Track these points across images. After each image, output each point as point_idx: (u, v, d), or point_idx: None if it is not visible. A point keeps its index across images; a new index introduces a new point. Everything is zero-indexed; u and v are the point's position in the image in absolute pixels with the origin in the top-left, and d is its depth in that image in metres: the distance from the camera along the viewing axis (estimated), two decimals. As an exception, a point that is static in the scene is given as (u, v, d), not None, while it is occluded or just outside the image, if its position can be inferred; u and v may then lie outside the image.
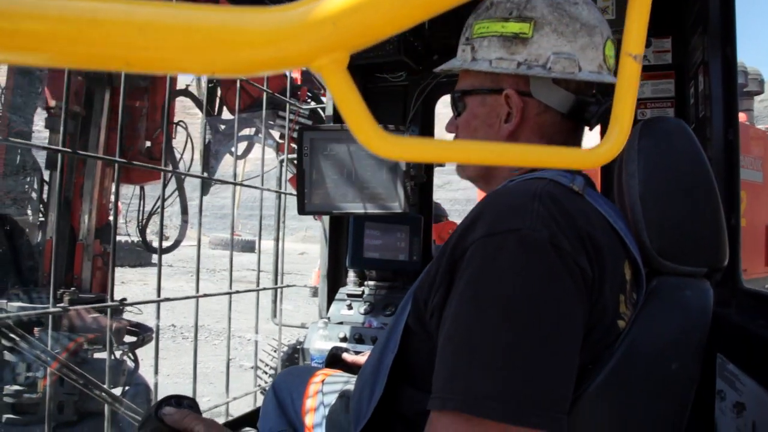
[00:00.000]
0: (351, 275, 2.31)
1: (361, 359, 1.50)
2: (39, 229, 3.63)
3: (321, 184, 1.81)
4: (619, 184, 0.97)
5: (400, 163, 1.80)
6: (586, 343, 0.73)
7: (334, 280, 2.39)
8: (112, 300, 1.63)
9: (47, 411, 1.47)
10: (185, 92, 4.18)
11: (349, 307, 2.18)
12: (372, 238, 2.18)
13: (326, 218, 2.40)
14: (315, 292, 10.28)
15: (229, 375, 2.19)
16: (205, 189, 2.34)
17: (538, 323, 0.69)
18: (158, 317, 1.77)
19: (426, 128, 2.38)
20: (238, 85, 2.13)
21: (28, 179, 3.49)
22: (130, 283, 11.42)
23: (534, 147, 0.38)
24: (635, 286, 0.83)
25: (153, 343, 4.00)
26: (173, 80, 3.40)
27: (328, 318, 2.14)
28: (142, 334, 3.88)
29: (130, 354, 3.81)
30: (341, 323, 2.11)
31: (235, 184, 2.09)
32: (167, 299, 1.77)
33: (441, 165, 1.09)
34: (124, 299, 1.84)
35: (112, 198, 4.01)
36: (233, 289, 2.13)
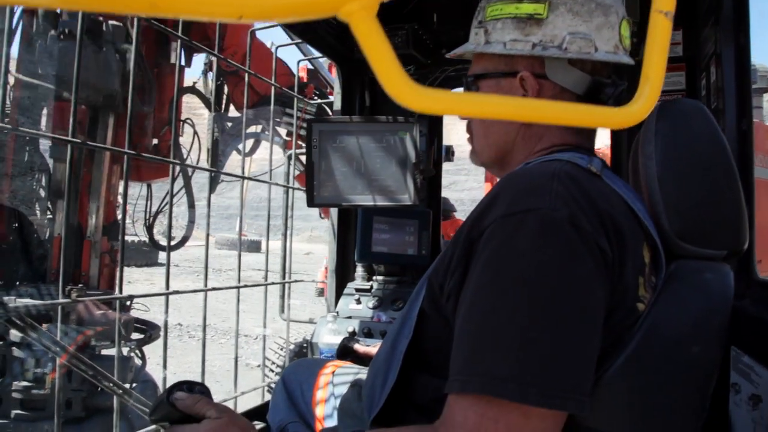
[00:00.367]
0: (359, 270, 2.30)
1: (373, 350, 1.49)
2: (47, 227, 3.64)
3: (330, 177, 1.80)
4: (634, 166, 0.96)
5: (409, 155, 1.79)
6: (607, 326, 0.72)
7: (343, 275, 2.38)
8: (121, 293, 1.63)
9: (56, 402, 1.46)
10: (192, 89, 4.17)
11: (358, 301, 2.17)
12: (380, 233, 2.17)
13: (334, 213, 2.39)
14: (321, 292, 10.28)
15: (236, 370, 2.19)
16: (213, 184, 2.33)
17: (559, 303, 0.68)
18: (167, 310, 1.76)
19: (434, 123, 2.37)
20: (246, 79, 2.12)
21: (36, 177, 3.49)
22: (136, 283, 11.45)
23: (565, 104, 0.36)
24: (654, 269, 0.82)
25: (161, 338, 4.02)
26: (181, 76, 3.39)
27: (337, 312, 2.14)
28: (150, 331, 3.87)
29: (137, 351, 3.81)
30: (350, 317, 2.11)
31: (243, 178, 2.09)
32: (176, 292, 1.77)
33: (464, 118, 1.07)
34: (132, 295, 1.84)
35: (119, 198, 4.03)
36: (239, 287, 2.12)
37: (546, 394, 0.65)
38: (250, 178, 2.09)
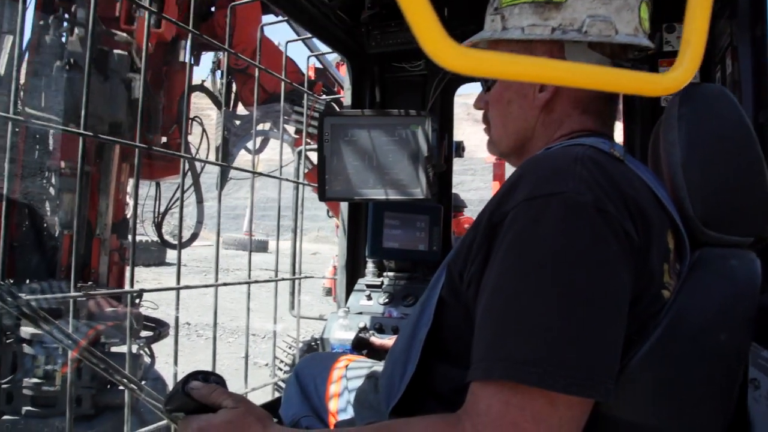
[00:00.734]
0: (370, 266, 2.29)
1: (389, 342, 1.47)
2: (57, 225, 3.65)
3: (342, 171, 1.79)
4: (655, 153, 0.94)
5: (422, 148, 1.78)
6: (632, 312, 0.71)
7: (353, 271, 2.37)
8: (132, 286, 1.62)
9: (69, 395, 1.46)
10: (201, 88, 4.19)
11: (369, 297, 2.16)
12: (391, 228, 2.16)
13: (344, 209, 2.38)
14: (328, 291, 10.28)
15: (247, 367, 2.18)
16: (223, 179, 2.33)
17: (585, 288, 0.67)
18: (178, 305, 1.76)
19: (445, 118, 2.36)
20: (257, 74, 2.11)
21: (46, 175, 3.50)
22: (144, 282, 11.48)
23: (603, 68, 0.35)
24: (678, 256, 0.80)
25: (170, 335, 4.02)
26: (190, 74, 3.40)
27: (348, 308, 2.12)
28: (159, 329, 3.88)
29: (146, 349, 3.82)
30: (361, 313, 2.10)
31: (254, 173, 2.08)
32: (187, 287, 1.76)
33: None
34: (143, 289, 1.84)
35: (128, 198, 4.04)
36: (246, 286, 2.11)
37: (572, 381, 0.63)
38: (260, 174, 2.09)
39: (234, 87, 4.31)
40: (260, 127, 4.36)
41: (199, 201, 3.70)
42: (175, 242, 4.34)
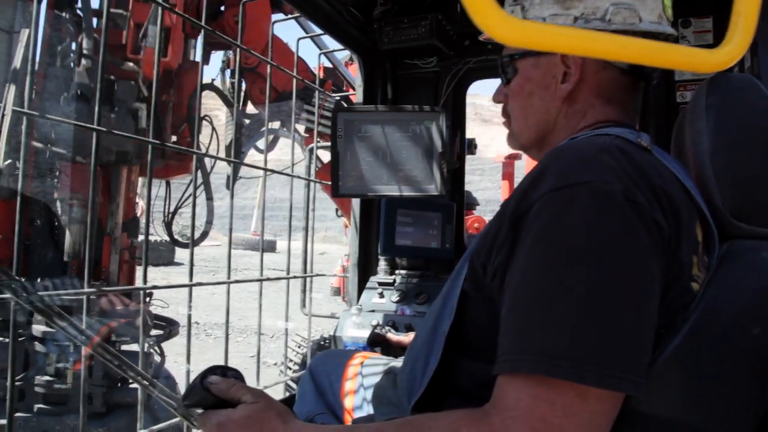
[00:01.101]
0: (382, 263, 2.28)
1: (406, 338, 1.46)
2: (68, 223, 3.66)
3: (355, 167, 1.78)
4: (679, 143, 0.92)
5: (435, 144, 1.77)
6: (662, 305, 0.69)
7: (365, 269, 2.36)
8: (145, 284, 1.62)
9: (82, 391, 1.45)
10: (210, 86, 4.19)
11: (381, 295, 2.15)
12: (404, 226, 2.15)
13: (356, 206, 2.37)
14: (337, 291, 10.27)
15: (259, 365, 2.17)
16: (235, 175, 2.33)
17: (614, 279, 0.65)
18: (190, 302, 1.75)
19: (457, 115, 2.34)
20: (269, 71, 2.11)
21: (57, 175, 3.52)
22: (153, 282, 11.52)
23: (655, 43, 0.34)
24: (706, 248, 0.79)
25: (180, 333, 4.03)
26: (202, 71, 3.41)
27: (360, 306, 2.11)
28: (169, 327, 3.89)
29: (156, 348, 3.83)
30: (373, 311, 2.09)
31: (265, 170, 2.07)
32: (200, 284, 1.76)
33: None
34: (156, 286, 1.83)
35: (137, 198, 4.05)
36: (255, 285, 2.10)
37: (603, 374, 0.62)
38: (273, 171, 2.08)
39: (244, 86, 4.31)
40: (269, 126, 4.36)
41: (209, 198, 3.70)
42: (185, 241, 4.35)
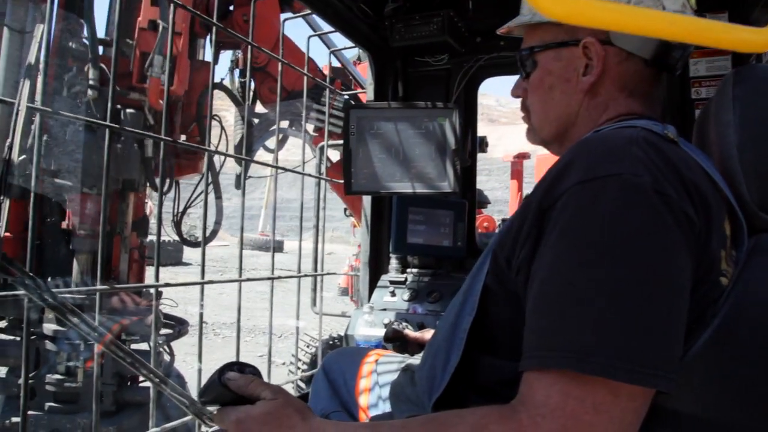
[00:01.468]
0: (393, 262, 2.27)
1: (423, 335, 1.45)
2: (78, 223, 3.67)
3: (368, 164, 1.76)
4: (702, 136, 0.90)
5: (449, 141, 1.75)
6: (692, 300, 0.67)
7: (376, 268, 2.35)
8: (157, 281, 1.62)
9: (95, 389, 1.45)
10: (220, 86, 4.19)
11: (392, 293, 2.14)
12: (416, 224, 2.14)
13: (367, 205, 2.36)
14: (344, 291, 10.27)
15: (270, 364, 2.16)
16: (245, 173, 2.32)
17: (645, 274, 0.64)
18: (202, 299, 1.75)
19: (468, 113, 2.33)
20: (280, 68, 2.10)
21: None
22: (162, 281, 11.54)
23: (702, 20, 0.32)
24: (734, 242, 0.77)
25: (190, 332, 4.03)
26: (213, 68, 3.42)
27: (372, 305, 2.10)
28: (179, 327, 3.89)
29: (165, 347, 3.83)
30: (385, 310, 2.07)
31: (276, 168, 2.07)
32: (211, 281, 1.75)
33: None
34: (169, 283, 1.83)
35: (146, 198, 4.06)
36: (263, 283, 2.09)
37: (635, 370, 0.60)
38: (284, 169, 2.07)
39: (252, 85, 4.31)
40: (276, 127, 4.36)
41: (218, 197, 3.70)
42: (194, 240, 4.36)
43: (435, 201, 2.14)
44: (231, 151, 4.03)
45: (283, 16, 4.04)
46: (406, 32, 2.12)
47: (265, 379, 2.28)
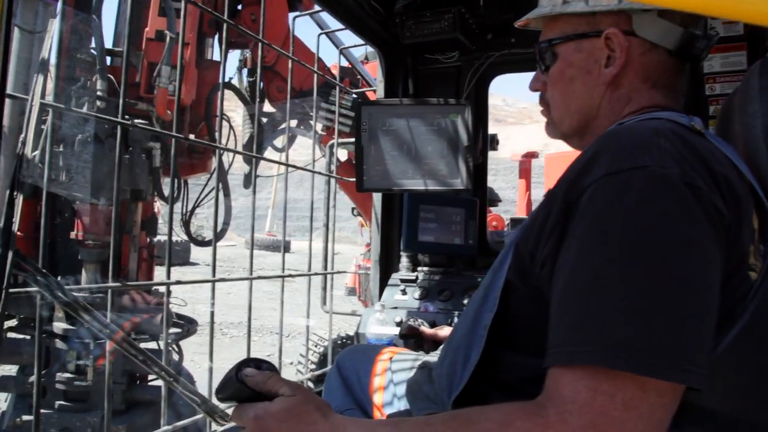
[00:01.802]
0: (404, 260, 2.25)
1: (440, 331, 1.43)
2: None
3: (380, 161, 1.75)
4: (726, 127, 0.88)
5: (461, 138, 1.74)
6: (721, 294, 0.66)
7: (387, 266, 2.34)
8: (168, 278, 1.61)
9: (107, 386, 1.45)
10: (228, 85, 4.19)
11: (403, 292, 2.13)
12: (427, 222, 2.12)
13: (378, 203, 2.35)
14: (352, 291, 10.26)
15: (280, 362, 2.15)
16: (254, 170, 2.31)
17: (674, 268, 0.62)
18: (213, 297, 1.74)
19: (480, 110, 2.31)
20: (290, 66, 2.09)
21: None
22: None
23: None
24: (762, 236, 0.75)
25: (200, 330, 4.03)
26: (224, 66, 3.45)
27: (383, 303, 2.09)
28: (187, 326, 3.90)
29: (174, 346, 3.84)
30: (396, 308, 2.06)
31: (287, 165, 2.06)
32: (222, 279, 1.75)
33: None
34: (180, 281, 1.83)
35: (155, 198, 4.06)
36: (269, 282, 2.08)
37: (664, 365, 0.59)
38: (294, 167, 2.06)
39: (261, 84, 4.31)
40: (286, 125, 4.36)
41: (226, 195, 3.69)
42: (202, 240, 4.36)
43: (446, 199, 2.13)
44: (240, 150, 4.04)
45: (291, 14, 4.04)
46: (416, 29, 2.11)
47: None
